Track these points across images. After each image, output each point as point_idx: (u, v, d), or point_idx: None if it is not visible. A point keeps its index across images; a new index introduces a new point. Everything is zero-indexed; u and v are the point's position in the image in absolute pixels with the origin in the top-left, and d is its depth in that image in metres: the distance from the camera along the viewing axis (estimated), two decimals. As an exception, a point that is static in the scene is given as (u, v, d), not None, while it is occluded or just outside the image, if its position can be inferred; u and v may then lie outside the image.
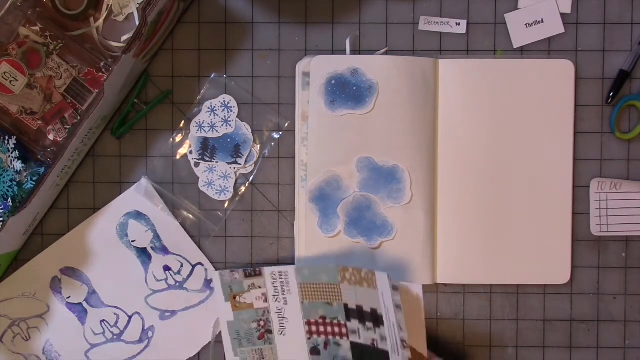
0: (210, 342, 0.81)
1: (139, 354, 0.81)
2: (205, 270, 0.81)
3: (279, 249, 0.81)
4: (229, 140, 0.80)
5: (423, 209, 0.78)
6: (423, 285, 0.75)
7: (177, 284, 0.81)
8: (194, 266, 0.81)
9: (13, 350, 0.81)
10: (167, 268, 0.81)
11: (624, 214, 0.80)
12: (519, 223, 0.79)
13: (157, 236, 0.81)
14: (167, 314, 0.82)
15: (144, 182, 0.81)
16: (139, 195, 0.81)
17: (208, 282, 0.81)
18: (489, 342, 0.81)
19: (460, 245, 0.80)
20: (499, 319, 0.81)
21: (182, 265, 0.81)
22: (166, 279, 0.81)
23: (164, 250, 0.81)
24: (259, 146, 0.81)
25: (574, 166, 0.80)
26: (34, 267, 0.81)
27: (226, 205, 0.81)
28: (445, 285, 0.81)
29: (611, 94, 0.80)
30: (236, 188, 0.81)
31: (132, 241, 0.81)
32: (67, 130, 0.80)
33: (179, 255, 0.81)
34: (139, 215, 0.81)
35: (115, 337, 0.81)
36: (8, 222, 0.72)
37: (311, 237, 0.79)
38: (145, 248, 0.81)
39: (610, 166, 0.81)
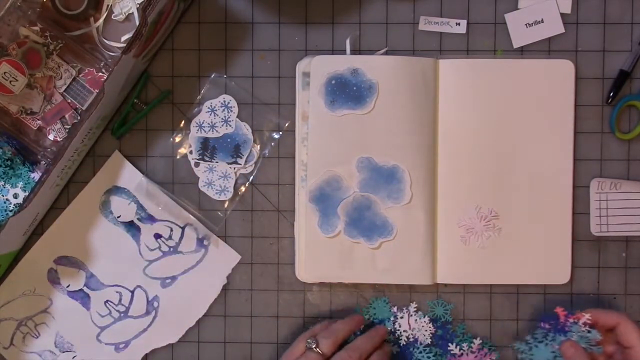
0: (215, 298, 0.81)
1: (149, 325, 0.81)
2: (195, 229, 0.81)
3: (279, 249, 0.81)
4: (229, 140, 0.80)
5: (423, 209, 0.78)
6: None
7: (171, 249, 0.81)
8: (183, 228, 0.81)
9: (26, 350, 0.81)
10: (157, 236, 0.81)
11: (624, 214, 0.80)
12: (519, 223, 0.79)
13: (140, 206, 0.81)
14: (167, 281, 0.81)
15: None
16: (112, 170, 0.80)
17: (200, 241, 0.81)
18: (489, 342, 0.81)
19: (460, 245, 0.79)
20: (499, 319, 0.81)
21: (171, 230, 0.81)
22: (159, 247, 0.81)
23: (151, 219, 0.81)
24: (259, 146, 0.81)
25: (574, 166, 0.80)
26: (27, 264, 0.81)
27: (226, 205, 0.81)
28: (445, 285, 0.81)
29: (611, 94, 0.80)
30: (236, 188, 0.81)
31: (118, 217, 0.81)
32: (67, 130, 0.80)
33: (167, 221, 0.81)
34: (118, 190, 0.81)
35: (122, 314, 0.81)
36: (8, 222, 0.72)
37: (311, 237, 0.79)
38: (132, 221, 0.81)
39: (610, 166, 0.81)
